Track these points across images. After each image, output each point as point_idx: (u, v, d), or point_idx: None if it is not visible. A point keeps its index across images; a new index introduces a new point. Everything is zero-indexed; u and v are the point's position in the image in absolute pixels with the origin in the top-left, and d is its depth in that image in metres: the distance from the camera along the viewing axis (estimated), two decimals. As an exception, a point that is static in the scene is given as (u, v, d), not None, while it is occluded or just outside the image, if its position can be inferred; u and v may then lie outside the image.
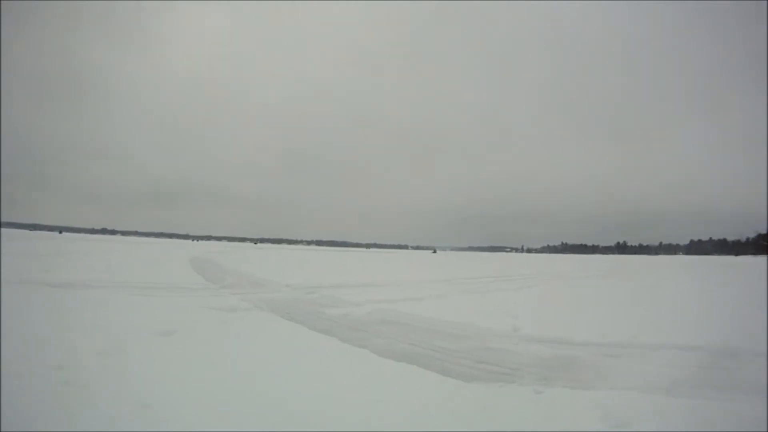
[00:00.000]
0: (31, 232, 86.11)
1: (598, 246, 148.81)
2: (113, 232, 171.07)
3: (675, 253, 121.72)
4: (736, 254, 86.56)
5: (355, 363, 5.03)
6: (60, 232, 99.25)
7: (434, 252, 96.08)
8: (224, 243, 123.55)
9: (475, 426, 3.30)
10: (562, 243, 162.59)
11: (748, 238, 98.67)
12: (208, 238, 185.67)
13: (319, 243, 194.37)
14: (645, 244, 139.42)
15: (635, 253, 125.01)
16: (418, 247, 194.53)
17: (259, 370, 4.45)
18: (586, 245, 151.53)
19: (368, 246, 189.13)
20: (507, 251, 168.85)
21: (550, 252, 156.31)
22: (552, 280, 19.23)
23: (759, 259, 55.38)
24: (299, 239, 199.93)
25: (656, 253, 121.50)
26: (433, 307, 9.35)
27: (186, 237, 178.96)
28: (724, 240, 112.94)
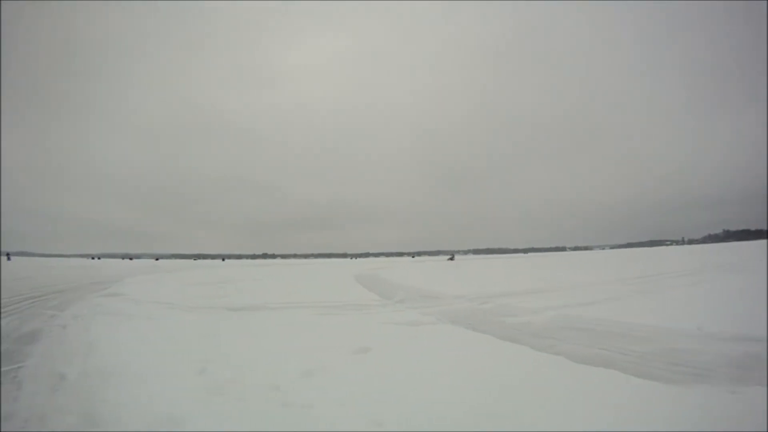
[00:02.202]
0: (195, 261, 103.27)
1: (762, 230, 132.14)
2: (273, 256, 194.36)
3: None
4: None
5: (556, 370, 5.13)
6: (223, 260, 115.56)
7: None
8: (382, 259, 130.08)
9: (688, 428, 3.41)
10: (724, 230, 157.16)
11: None
12: (366, 255, 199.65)
13: (475, 252, 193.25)
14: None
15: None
16: (576, 248, 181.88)
17: (466, 383, 4.58)
18: (749, 230, 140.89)
19: (526, 251, 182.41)
20: (667, 245, 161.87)
21: (712, 241, 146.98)
22: (722, 273, 18.33)
23: None
24: (455, 249, 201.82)
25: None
26: (611, 310, 9.48)
27: (343, 255, 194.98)
28: None
